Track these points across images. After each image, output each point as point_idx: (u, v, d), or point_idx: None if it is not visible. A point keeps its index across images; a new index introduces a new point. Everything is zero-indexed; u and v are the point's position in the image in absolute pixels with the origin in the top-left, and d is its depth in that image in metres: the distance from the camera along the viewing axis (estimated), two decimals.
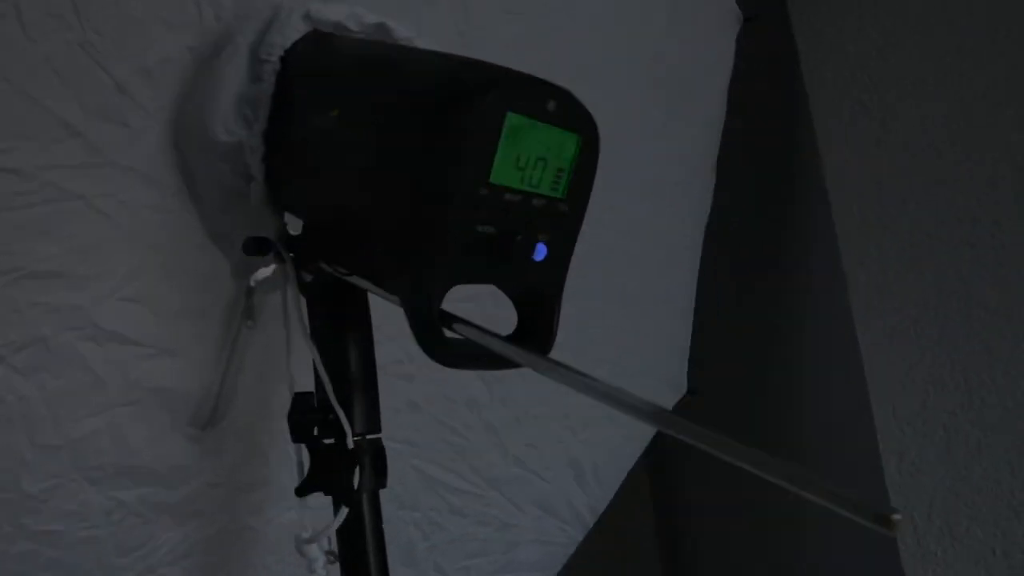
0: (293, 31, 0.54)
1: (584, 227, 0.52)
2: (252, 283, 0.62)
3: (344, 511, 0.53)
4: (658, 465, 0.95)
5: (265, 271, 0.61)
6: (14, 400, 0.52)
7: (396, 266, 0.47)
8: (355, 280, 0.53)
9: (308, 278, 0.57)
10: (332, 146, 0.50)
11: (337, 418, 0.55)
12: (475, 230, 0.46)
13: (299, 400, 0.56)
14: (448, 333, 0.46)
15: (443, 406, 0.75)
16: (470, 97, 0.44)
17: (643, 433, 1.00)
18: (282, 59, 0.54)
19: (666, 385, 1.03)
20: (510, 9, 0.77)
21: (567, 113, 0.48)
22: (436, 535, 0.82)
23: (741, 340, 1.10)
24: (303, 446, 0.57)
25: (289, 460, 0.67)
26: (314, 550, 0.55)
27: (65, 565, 0.56)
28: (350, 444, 0.54)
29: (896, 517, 0.28)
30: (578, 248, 0.52)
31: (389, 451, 0.57)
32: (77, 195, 0.53)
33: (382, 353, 0.58)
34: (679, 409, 1.02)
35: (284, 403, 0.66)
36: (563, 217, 0.50)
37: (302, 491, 0.54)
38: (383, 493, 0.57)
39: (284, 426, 0.66)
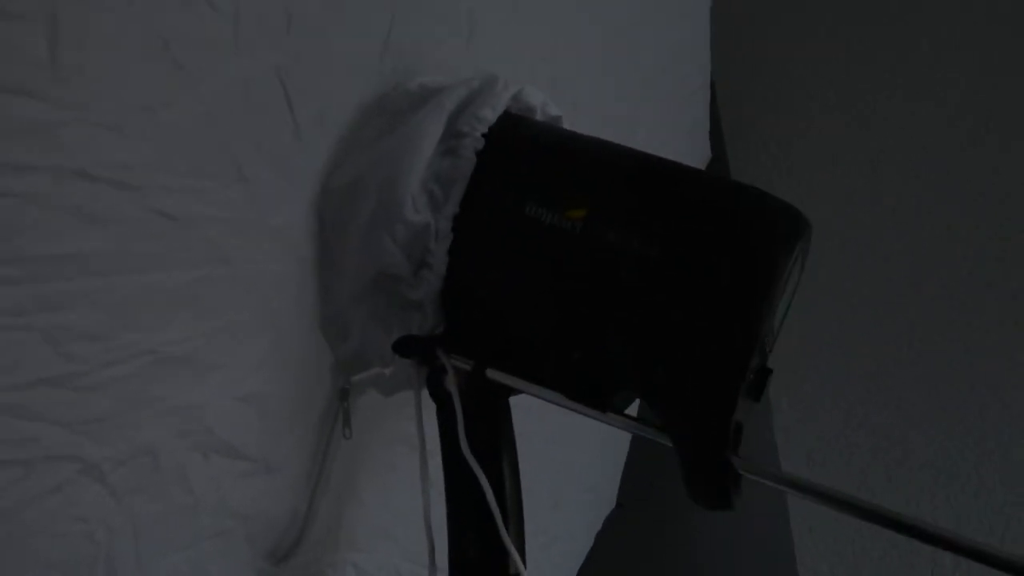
0: (502, 107, 0.47)
1: None
2: (348, 385, 0.51)
3: None
4: None
5: (374, 371, 0.51)
6: (103, 535, 0.37)
7: (670, 402, 0.41)
8: (552, 398, 0.46)
9: (452, 387, 0.49)
10: (566, 251, 0.43)
11: (498, 554, 0.46)
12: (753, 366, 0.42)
13: (460, 535, 0.46)
14: None
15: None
16: (793, 242, 0.41)
17: (583, 544, 0.97)
18: (484, 136, 0.47)
19: (599, 499, 1.01)
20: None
21: (807, 251, 0.47)
22: None
23: (666, 456, 1.12)
24: None
25: None
26: None
27: None
28: None
29: None
30: None
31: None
32: (225, 258, 0.40)
33: None
34: (607, 523, 1.01)
35: (350, 531, 0.55)
36: (770, 351, 0.49)
37: None
38: None
39: (345, 557, 0.55)
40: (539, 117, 0.51)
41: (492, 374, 0.47)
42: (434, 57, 0.51)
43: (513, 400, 0.51)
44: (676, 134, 0.95)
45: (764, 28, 1.08)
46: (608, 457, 1.02)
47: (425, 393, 0.50)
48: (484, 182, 0.46)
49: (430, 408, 0.50)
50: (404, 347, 0.47)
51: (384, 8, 0.46)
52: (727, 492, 0.41)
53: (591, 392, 0.45)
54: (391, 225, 0.44)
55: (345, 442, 0.52)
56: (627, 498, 1.03)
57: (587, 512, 0.98)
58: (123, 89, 0.33)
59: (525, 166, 0.46)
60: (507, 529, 0.47)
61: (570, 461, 0.88)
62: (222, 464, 0.43)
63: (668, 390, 0.41)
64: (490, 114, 0.46)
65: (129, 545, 0.38)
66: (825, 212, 1.03)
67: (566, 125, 0.54)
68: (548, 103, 0.51)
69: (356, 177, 0.45)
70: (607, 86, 0.74)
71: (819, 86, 1.05)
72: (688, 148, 1.00)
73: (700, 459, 0.41)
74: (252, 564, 0.46)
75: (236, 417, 0.43)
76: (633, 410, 0.49)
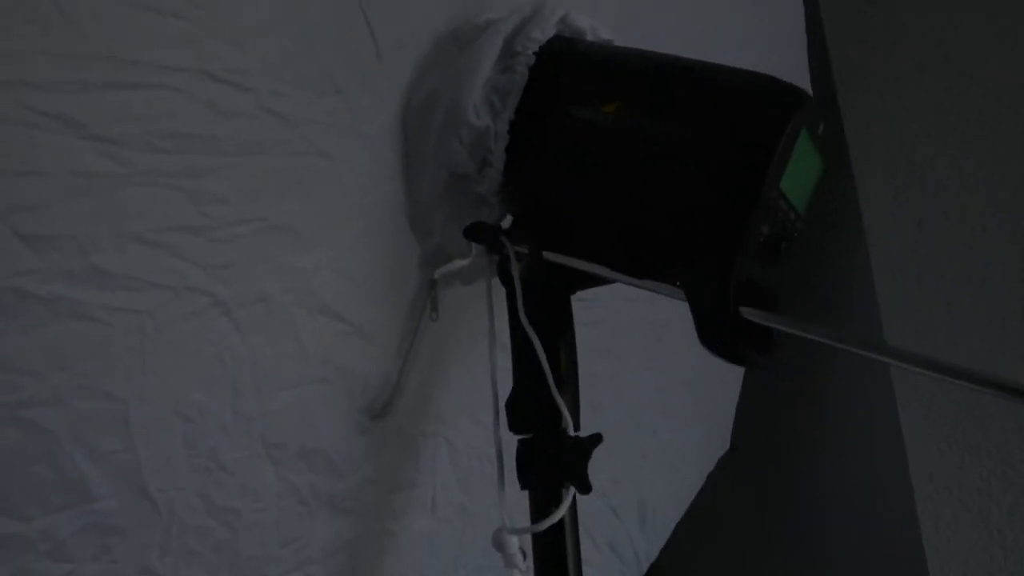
0: (551, 29, 0.56)
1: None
2: (436, 276, 0.61)
3: (572, 494, 0.52)
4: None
5: (456, 263, 0.60)
6: (230, 360, 0.49)
7: (682, 258, 0.48)
8: (596, 270, 0.53)
9: (514, 268, 0.57)
10: (602, 140, 0.51)
11: (551, 411, 0.54)
12: (760, 228, 0.48)
13: (518, 389, 0.55)
14: None
15: None
16: (789, 108, 0.46)
17: (693, 482, 1.01)
18: (535, 54, 0.55)
19: (712, 440, 1.05)
20: None
21: (824, 140, 0.51)
22: None
23: (781, 399, 1.15)
24: (500, 439, 0.55)
25: (431, 464, 0.65)
26: (514, 543, 0.53)
27: (232, 549, 0.51)
28: (572, 432, 0.53)
29: None
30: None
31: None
32: (324, 154, 0.51)
33: None
34: (720, 464, 1.05)
35: (439, 406, 0.64)
36: (797, 235, 0.53)
37: (526, 482, 0.53)
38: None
39: (436, 428, 0.64)
40: (590, 38, 0.59)
41: (548, 256, 0.55)
42: None
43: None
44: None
45: None
46: (717, 397, 1.05)
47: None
48: (535, 91, 0.54)
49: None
50: (473, 233, 0.56)
51: None
52: (734, 339, 0.47)
53: (630, 263, 0.52)
54: (457, 129, 0.54)
55: (436, 330, 0.62)
56: (741, 440, 1.05)
57: (697, 451, 1.02)
58: (240, 14, 0.45)
59: (568, 76, 0.54)
60: (560, 392, 0.54)
61: (675, 395, 0.93)
62: (324, 322, 0.53)
63: (681, 245, 0.48)
64: (539, 35, 0.55)
65: (249, 373, 0.50)
66: (938, 153, 1.01)
67: None
68: (597, 27, 0.59)
69: (430, 93, 0.55)
70: (683, 22, 0.80)
71: (938, 26, 1.03)
72: None
73: (705, 306, 0.46)
74: (350, 415, 0.57)
75: (335, 286, 0.54)
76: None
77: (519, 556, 0.53)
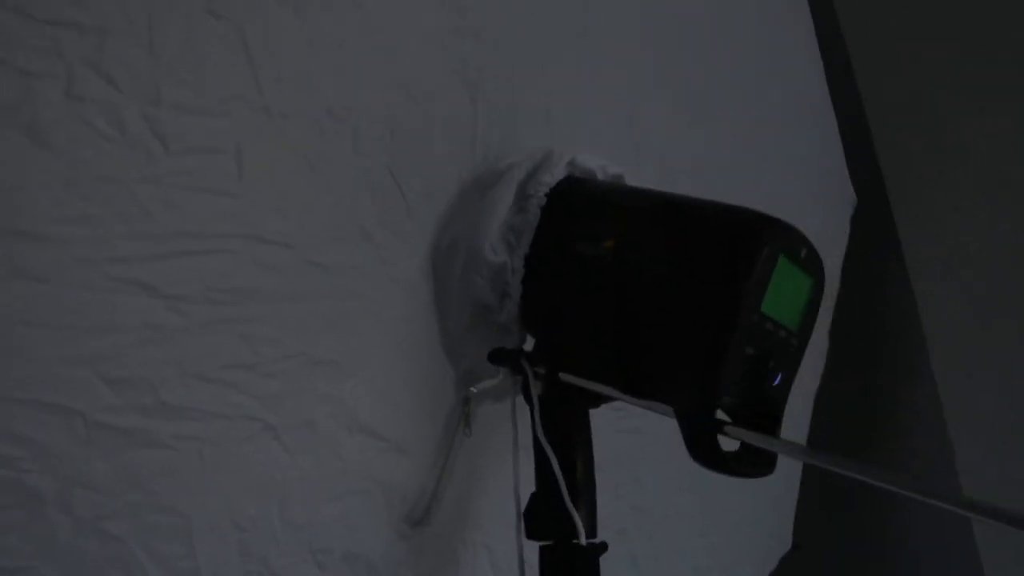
0: (560, 173, 0.63)
1: None
2: (469, 394, 0.67)
3: None
4: None
5: (487, 383, 0.66)
6: (280, 478, 0.56)
7: (672, 380, 0.52)
8: (604, 390, 0.58)
9: (540, 390, 0.62)
10: (603, 273, 0.57)
11: (566, 520, 0.58)
12: (744, 350, 0.52)
13: (536, 499, 0.60)
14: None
15: None
16: (760, 241, 0.51)
17: None
18: (546, 195, 0.62)
19: (772, 539, 1.05)
20: None
21: (811, 261, 0.55)
22: None
23: (844, 495, 1.13)
24: (524, 546, 0.60)
25: (471, 570, 0.69)
26: None
27: None
28: (583, 542, 0.57)
29: None
30: None
31: None
32: (360, 296, 0.59)
33: None
34: (782, 563, 1.04)
35: (476, 515, 0.69)
36: (793, 349, 0.57)
37: None
38: None
39: (475, 536, 0.69)
40: (600, 177, 0.65)
41: (563, 376, 0.60)
42: (519, 144, 0.68)
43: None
44: (801, 183, 1.02)
45: (916, 56, 1.09)
46: (775, 495, 1.05)
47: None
48: (546, 229, 0.61)
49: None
50: (496, 357, 0.62)
51: (466, 119, 0.64)
52: (722, 458, 0.50)
53: (630, 385, 0.56)
54: (478, 266, 0.61)
55: (472, 442, 0.68)
56: (804, 538, 1.04)
57: (757, 550, 1.01)
58: (282, 188, 0.54)
59: (575, 214, 0.60)
60: (575, 503, 0.58)
61: (728, 496, 0.95)
62: (364, 440, 0.60)
63: (667, 371, 0.52)
64: (549, 178, 0.62)
65: (297, 488, 0.57)
66: (994, 250, 1.00)
67: (655, 179, 0.68)
68: (607, 165, 0.65)
69: (454, 237, 0.63)
70: (700, 143, 0.86)
71: (978, 112, 1.04)
72: (823, 194, 1.05)
73: (692, 427, 0.50)
74: (391, 524, 0.63)
75: (374, 408, 0.61)
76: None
77: None
